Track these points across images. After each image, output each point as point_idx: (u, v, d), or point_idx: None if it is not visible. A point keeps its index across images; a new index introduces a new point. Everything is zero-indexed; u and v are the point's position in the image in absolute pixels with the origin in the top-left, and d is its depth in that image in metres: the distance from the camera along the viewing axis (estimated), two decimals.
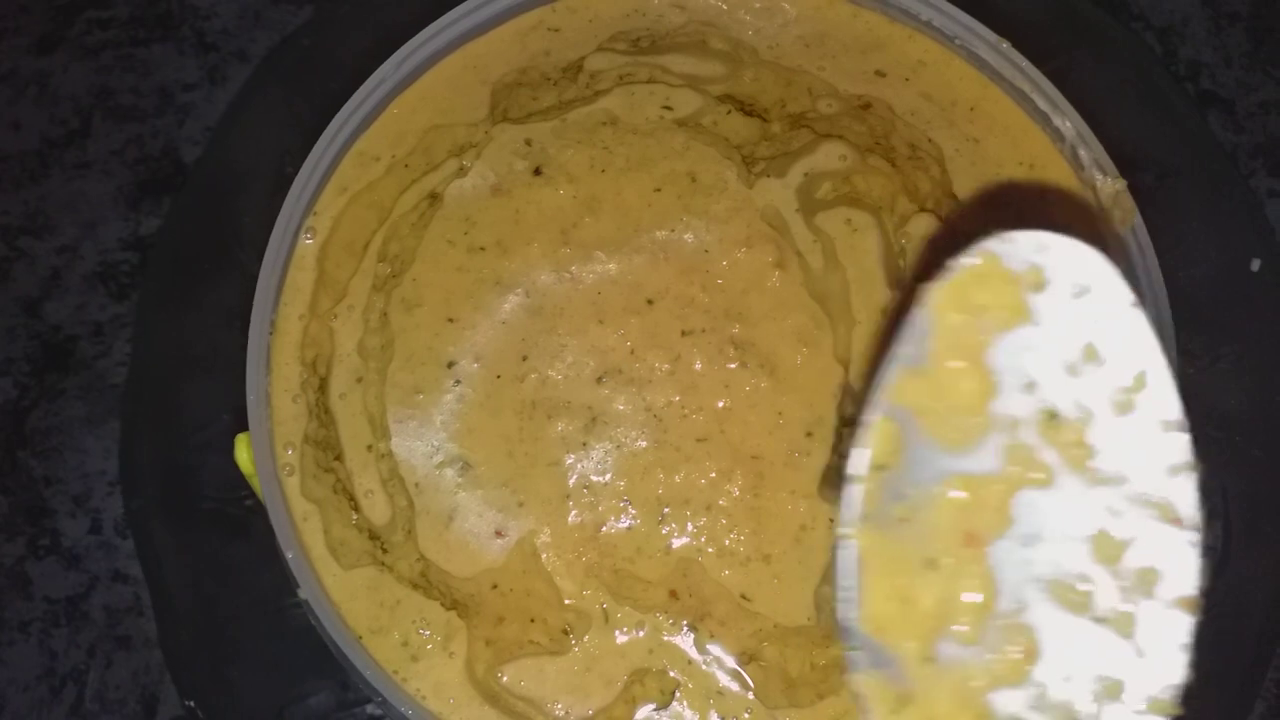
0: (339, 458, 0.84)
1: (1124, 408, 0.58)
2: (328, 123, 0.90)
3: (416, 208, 0.89)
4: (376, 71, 0.91)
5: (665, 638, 0.80)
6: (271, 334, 0.86)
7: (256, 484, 0.82)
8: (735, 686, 0.80)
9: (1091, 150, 0.90)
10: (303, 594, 0.80)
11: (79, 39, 1.07)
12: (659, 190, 0.88)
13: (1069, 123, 0.90)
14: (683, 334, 0.85)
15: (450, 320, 0.85)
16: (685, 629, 0.81)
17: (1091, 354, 0.59)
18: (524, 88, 0.93)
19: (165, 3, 1.08)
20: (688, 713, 0.79)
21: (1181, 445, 0.58)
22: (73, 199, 1.03)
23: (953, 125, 0.93)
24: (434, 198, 0.89)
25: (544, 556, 0.81)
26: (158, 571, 0.88)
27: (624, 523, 0.82)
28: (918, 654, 0.57)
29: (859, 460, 0.58)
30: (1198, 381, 0.87)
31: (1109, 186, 0.89)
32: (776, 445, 0.83)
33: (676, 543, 0.82)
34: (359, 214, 0.89)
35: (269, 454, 0.83)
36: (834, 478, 0.83)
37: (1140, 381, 0.58)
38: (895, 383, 0.58)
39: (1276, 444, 0.90)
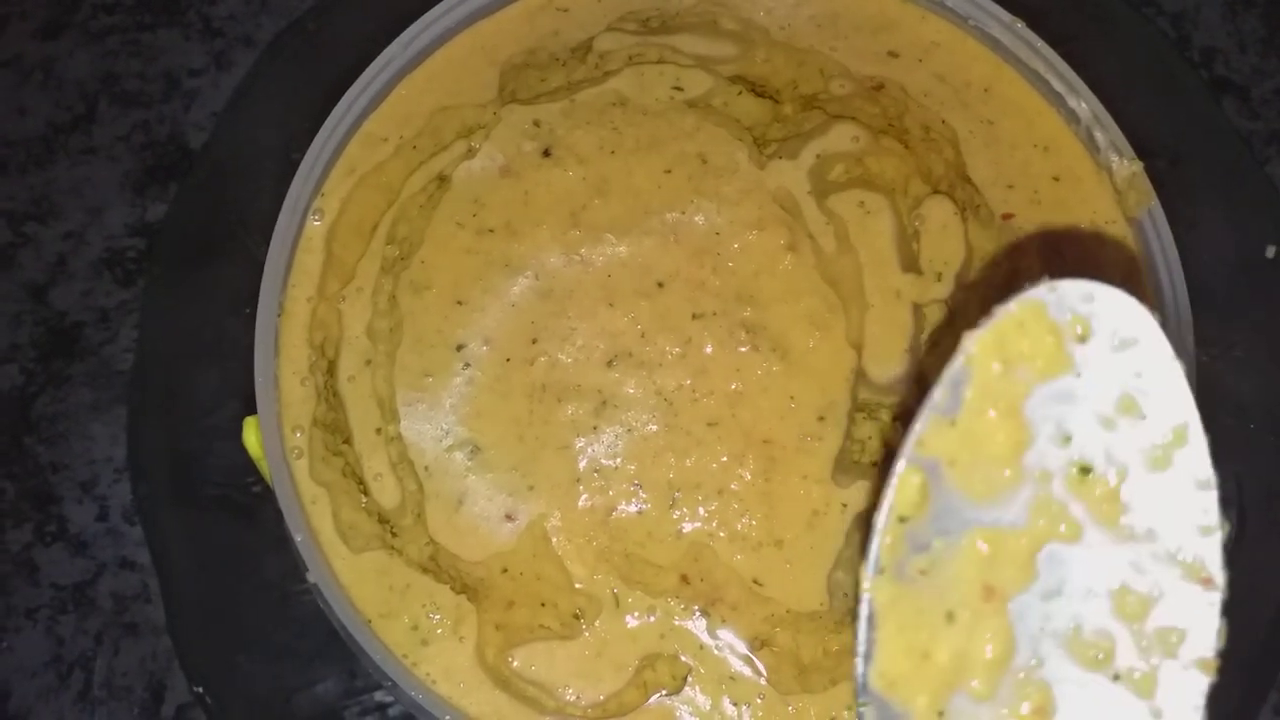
0: (348, 441, 0.83)
1: (1160, 464, 0.57)
2: (334, 107, 0.90)
3: (425, 189, 0.89)
4: (384, 52, 0.91)
5: (677, 622, 0.80)
6: (280, 316, 0.85)
7: (265, 467, 0.82)
8: (747, 672, 0.79)
9: (1108, 132, 0.89)
10: (311, 578, 0.80)
11: (84, 24, 1.07)
12: (669, 172, 0.87)
13: (1085, 104, 0.90)
14: (694, 317, 0.84)
15: (459, 303, 0.85)
16: (697, 614, 0.80)
17: (1131, 407, 0.57)
18: (532, 68, 0.93)
19: None
20: (700, 698, 0.79)
21: (1212, 505, 0.56)
22: (79, 185, 1.02)
23: (966, 107, 0.92)
24: (442, 179, 0.89)
25: (554, 540, 0.81)
26: (165, 558, 0.87)
27: (635, 507, 0.81)
28: (929, 709, 0.56)
29: (882, 515, 0.57)
30: (1212, 369, 0.87)
31: (1125, 169, 0.88)
32: (788, 429, 0.83)
33: (688, 527, 0.81)
34: (367, 196, 0.89)
35: (277, 437, 0.82)
36: (846, 463, 0.82)
37: (1180, 437, 0.57)
38: (926, 432, 0.57)
39: None
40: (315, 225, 0.88)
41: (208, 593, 0.87)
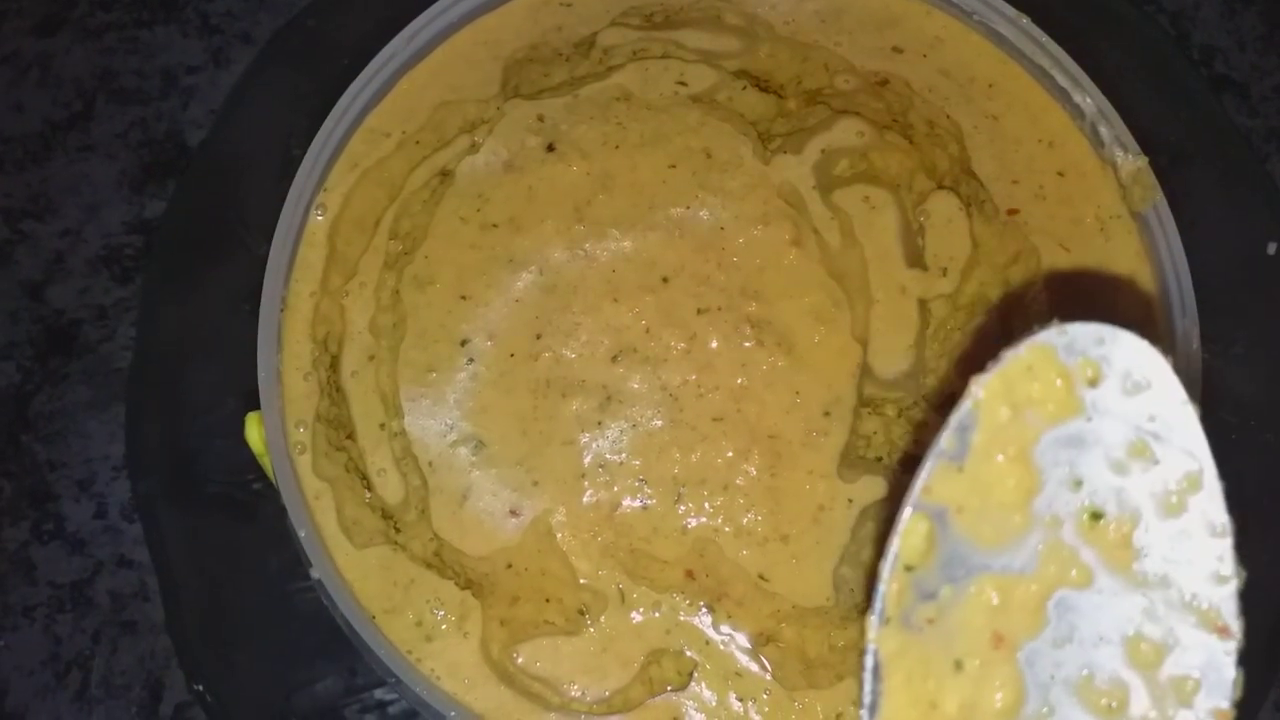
0: (351, 436, 0.83)
1: (1173, 509, 0.56)
2: (333, 104, 0.89)
3: (428, 184, 0.88)
4: (387, 47, 0.90)
5: (682, 618, 0.79)
6: (282, 311, 0.85)
7: (267, 463, 0.81)
8: (754, 667, 0.79)
9: (1112, 127, 0.89)
10: (315, 573, 0.79)
11: (82, 21, 1.07)
12: (674, 167, 0.87)
13: (1089, 99, 0.90)
14: (698, 312, 0.84)
15: (463, 298, 0.84)
16: (702, 609, 0.80)
17: (1143, 451, 0.56)
18: (536, 63, 0.93)
19: None
20: (705, 694, 0.78)
21: (1228, 552, 0.55)
22: (76, 182, 1.02)
23: (971, 102, 0.92)
24: (445, 174, 0.88)
25: (559, 536, 0.80)
26: (164, 555, 0.87)
27: (640, 502, 0.81)
28: None
29: (888, 565, 0.56)
30: (1212, 367, 0.86)
31: (1129, 164, 0.88)
32: (794, 424, 0.82)
33: (693, 522, 0.81)
34: (370, 191, 0.89)
35: (280, 432, 0.82)
36: (852, 458, 0.82)
37: (1193, 483, 0.56)
38: (933, 479, 0.56)
39: None
40: (318, 220, 0.88)
41: (207, 590, 0.87)
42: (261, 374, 0.82)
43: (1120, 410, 0.56)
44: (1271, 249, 0.93)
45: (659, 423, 0.82)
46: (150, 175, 1.02)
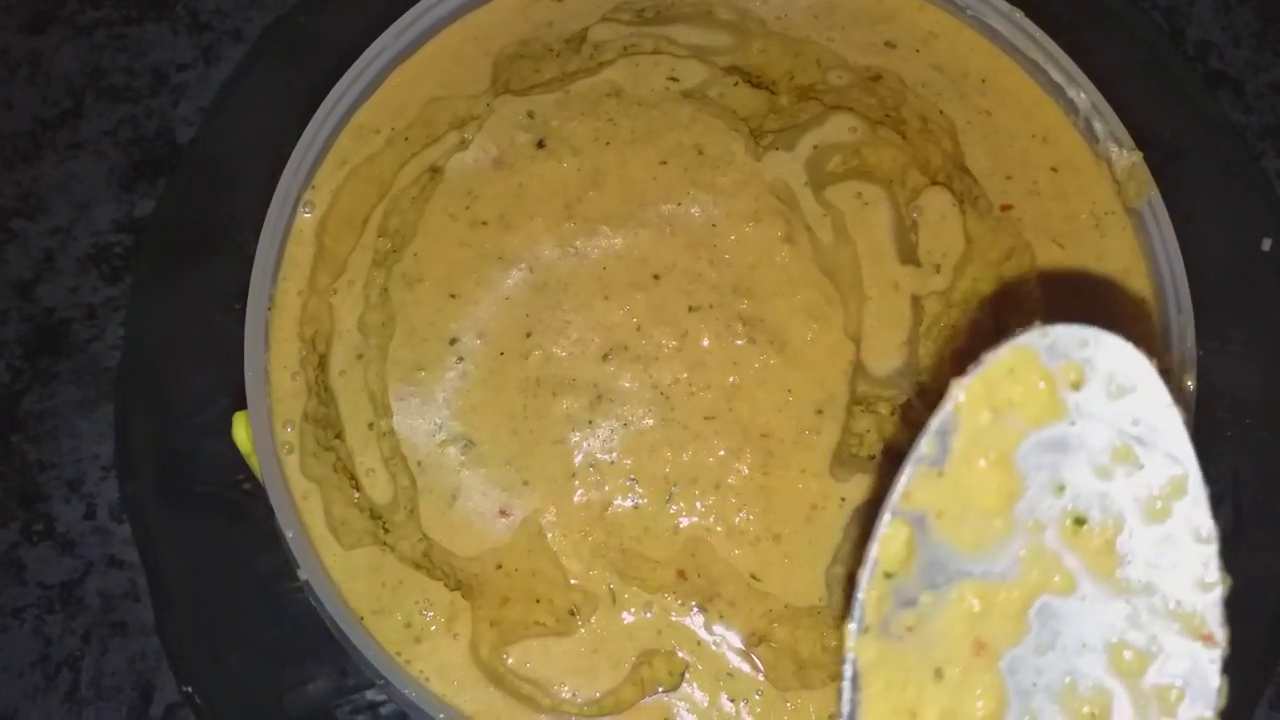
0: (339, 436, 0.82)
1: (1158, 515, 0.56)
2: (324, 98, 0.89)
3: (417, 181, 0.88)
4: (375, 42, 0.90)
5: (674, 618, 0.79)
6: (270, 310, 0.84)
7: (255, 463, 0.81)
8: (745, 668, 0.78)
9: (1106, 122, 0.89)
10: (303, 574, 0.79)
11: (71, 18, 1.06)
12: (665, 163, 0.87)
13: (1083, 94, 0.89)
14: (690, 310, 0.83)
15: (452, 296, 0.84)
16: (694, 609, 0.79)
17: (1127, 456, 0.56)
18: (526, 59, 0.92)
19: None
20: (697, 694, 0.78)
21: (1213, 559, 0.55)
22: (66, 180, 1.01)
23: (964, 97, 0.92)
24: (435, 171, 0.88)
25: (549, 536, 0.80)
26: (154, 556, 0.87)
27: (631, 502, 0.81)
28: None
29: (867, 572, 0.55)
30: (1208, 363, 0.86)
31: (1124, 159, 0.88)
32: (786, 423, 0.82)
33: (684, 522, 0.80)
34: (358, 188, 0.88)
35: (268, 432, 0.81)
36: (844, 456, 0.81)
37: (1179, 488, 0.55)
38: (913, 484, 0.55)
39: None
40: (306, 218, 0.87)
41: (197, 591, 0.86)
42: (249, 373, 0.81)
43: (1104, 414, 0.55)
44: (1266, 245, 0.92)
45: (650, 421, 0.82)
46: (140, 173, 1.01)
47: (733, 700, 0.78)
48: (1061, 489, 0.55)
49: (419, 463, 0.81)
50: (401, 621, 0.79)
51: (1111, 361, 0.55)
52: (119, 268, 0.99)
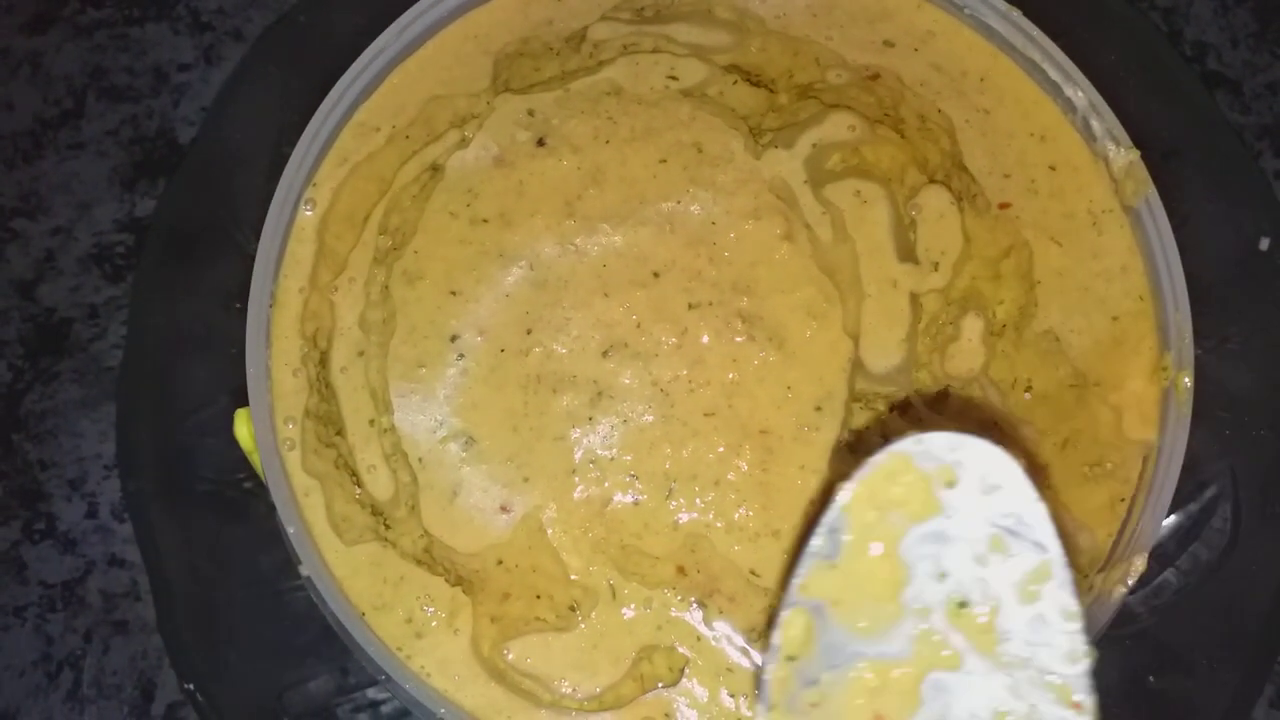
0: (340, 432, 0.83)
1: (1029, 597, 0.61)
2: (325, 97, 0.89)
3: (418, 179, 0.88)
4: (376, 40, 0.90)
5: (673, 614, 0.79)
6: (271, 307, 0.85)
7: (256, 460, 0.81)
8: (745, 663, 0.79)
9: (1104, 121, 0.89)
10: (304, 571, 0.79)
11: (72, 18, 1.06)
12: (664, 161, 0.87)
13: (1081, 93, 0.90)
14: (690, 307, 0.84)
15: (453, 293, 0.84)
16: (694, 605, 0.79)
17: (1000, 545, 0.62)
18: (526, 57, 0.92)
19: None
20: (697, 690, 0.78)
21: (1079, 634, 0.61)
22: (67, 180, 1.01)
23: (963, 96, 0.92)
24: (435, 169, 0.88)
25: (550, 532, 0.80)
26: (155, 555, 0.86)
27: (631, 498, 0.81)
28: None
29: (771, 656, 0.61)
30: (1206, 362, 0.86)
31: (1122, 158, 0.88)
32: (785, 419, 0.82)
33: (684, 518, 0.81)
34: (359, 185, 0.88)
35: (269, 429, 0.81)
36: (844, 452, 0.82)
37: (1044, 573, 0.61)
38: (809, 577, 0.62)
39: None
40: (307, 215, 0.87)
41: (198, 589, 0.86)
42: (250, 370, 0.82)
43: (977, 509, 0.62)
44: (1264, 245, 0.92)
45: (650, 418, 0.82)
46: (141, 173, 1.02)
47: (732, 695, 0.78)
48: (944, 576, 0.62)
49: (420, 459, 0.81)
50: (403, 617, 0.79)
51: (980, 463, 0.62)
52: (120, 267, 0.99)
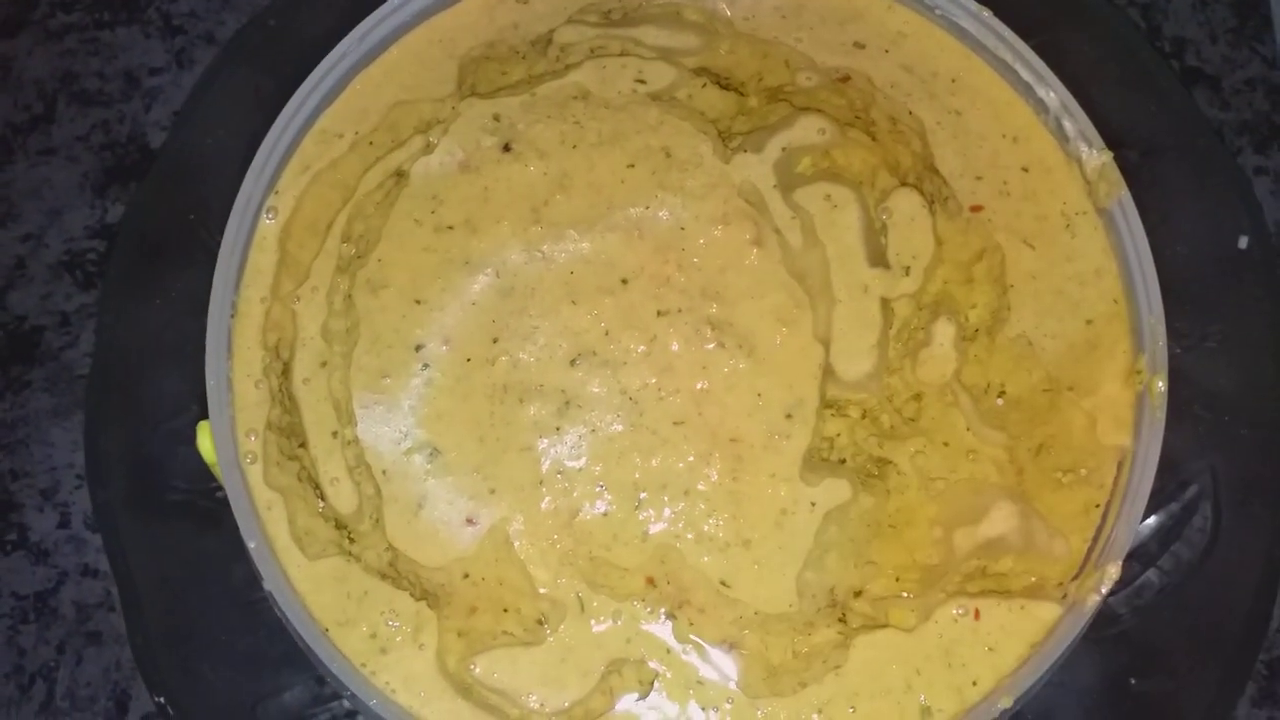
0: (303, 445, 0.82)
1: None
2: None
3: (381, 186, 0.87)
4: (338, 46, 0.89)
5: (643, 626, 0.79)
6: (232, 317, 0.84)
7: (219, 472, 0.80)
8: (715, 676, 0.78)
9: (1076, 122, 0.88)
10: (267, 586, 0.78)
11: (43, 22, 1.05)
12: (632, 166, 0.86)
13: (1053, 94, 0.89)
14: (659, 314, 0.83)
15: (417, 302, 0.83)
16: (664, 617, 0.79)
17: None
18: (492, 61, 0.91)
19: None
20: (667, 704, 0.78)
21: None
22: (37, 186, 1.01)
23: (934, 97, 0.91)
24: (399, 176, 0.87)
25: (517, 544, 0.80)
26: (125, 565, 0.86)
27: (599, 508, 0.80)
28: None
29: None
30: (1185, 361, 0.86)
31: (1095, 159, 0.87)
32: (756, 427, 0.81)
33: (654, 528, 0.80)
34: (322, 193, 0.87)
35: (230, 441, 0.81)
36: (815, 461, 0.81)
37: None
38: None
39: (1264, 423, 0.89)
40: (268, 224, 0.86)
41: (170, 601, 0.86)
42: (210, 382, 0.81)
43: None
44: (1243, 243, 0.92)
45: (619, 427, 0.81)
46: (112, 179, 1.01)
47: (703, 708, 0.78)
48: None
49: (384, 471, 0.81)
50: (367, 633, 0.79)
51: None
52: (92, 274, 0.98)
